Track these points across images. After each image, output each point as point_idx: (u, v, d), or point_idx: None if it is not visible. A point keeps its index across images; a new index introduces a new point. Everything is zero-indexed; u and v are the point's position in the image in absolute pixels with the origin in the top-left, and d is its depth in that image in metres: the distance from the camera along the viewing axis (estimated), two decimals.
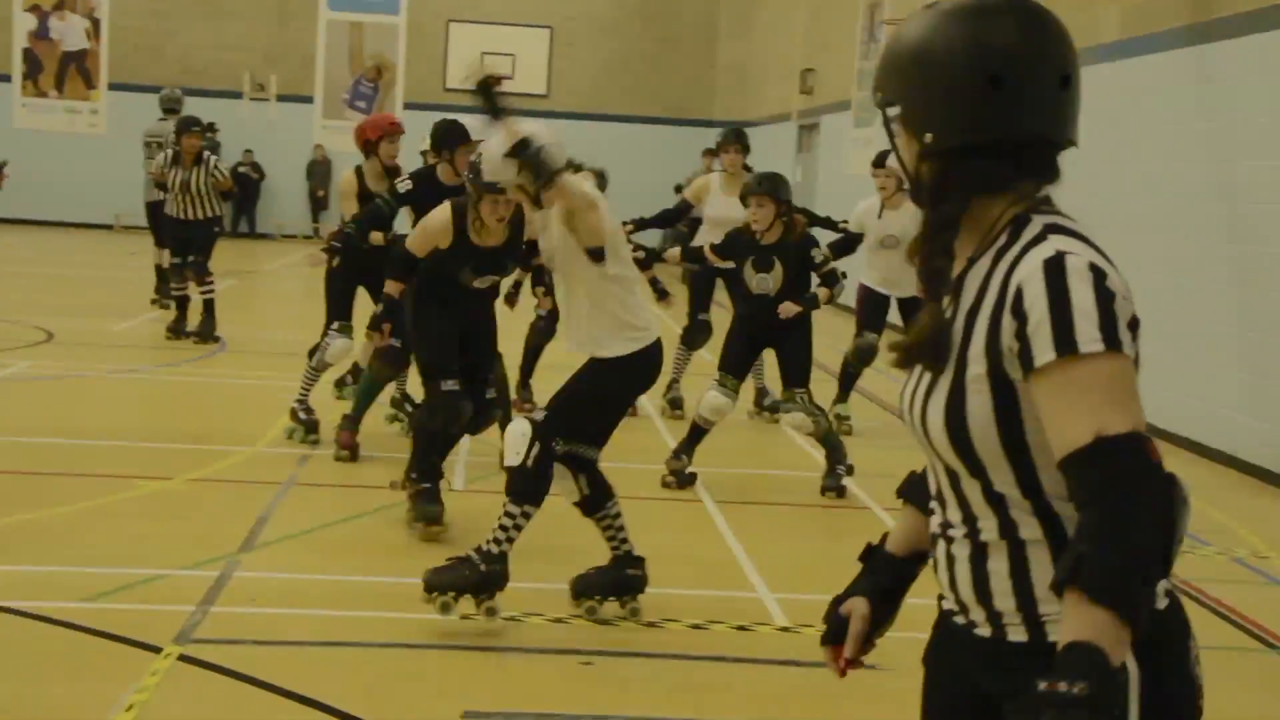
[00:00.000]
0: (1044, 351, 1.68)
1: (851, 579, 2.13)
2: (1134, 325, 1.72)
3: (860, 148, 17.30)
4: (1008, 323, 1.73)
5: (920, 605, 2.22)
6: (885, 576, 2.11)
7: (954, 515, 1.86)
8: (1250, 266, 8.45)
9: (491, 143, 5.15)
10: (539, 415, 4.94)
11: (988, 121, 1.78)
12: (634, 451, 8.22)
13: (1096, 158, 10.67)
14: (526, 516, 4.91)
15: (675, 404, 9.38)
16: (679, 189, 7.42)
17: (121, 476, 6.81)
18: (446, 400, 6.11)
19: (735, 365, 7.36)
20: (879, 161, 8.81)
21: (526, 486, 4.86)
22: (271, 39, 25.73)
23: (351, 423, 7.56)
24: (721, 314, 10.66)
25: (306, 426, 7.97)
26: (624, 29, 26.47)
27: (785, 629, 5.08)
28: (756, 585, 5.61)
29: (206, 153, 11.57)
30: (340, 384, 9.38)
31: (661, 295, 8.17)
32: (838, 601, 2.08)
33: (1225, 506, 7.46)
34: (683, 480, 7.34)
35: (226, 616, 4.89)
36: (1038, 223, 1.79)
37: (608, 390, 5.03)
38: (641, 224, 8.74)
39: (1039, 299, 1.70)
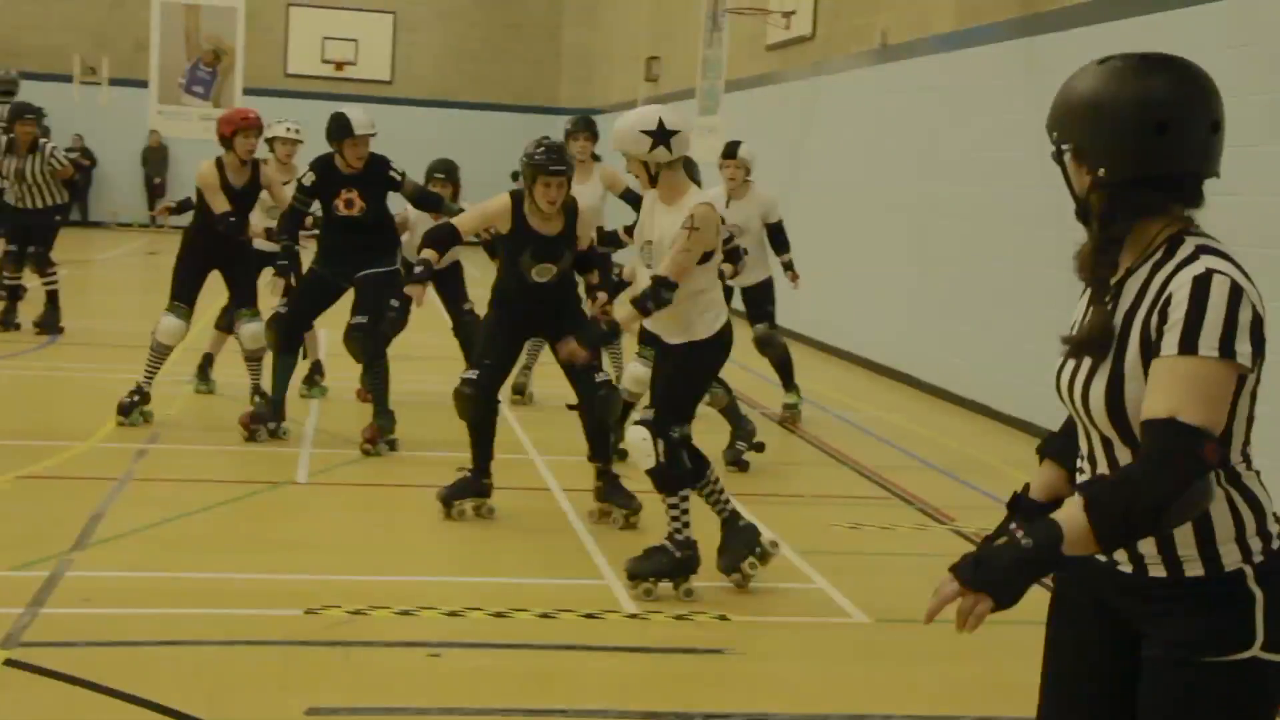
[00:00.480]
0: (1170, 346, 2.09)
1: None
2: (1257, 340, 2.11)
3: (705, 135, 17.44)
4: (1155, 322, 2.13)
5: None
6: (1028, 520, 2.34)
7: (1104, 473, 2.24)
8: (1072, 252, 8.71)
9: (630, 115, 5.43)
10: (648, 415, 5.33)
11: (1153, 160, 2.20)
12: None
13: (932, 146, 10.92)
14: (685, 499, 5.34)
15: (519, 390, 9.33)
16: (515, 177, 7.50)
17: None
18: (459, 388, 6.30)
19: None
20: (730, 153, 8.88)
21: (670, 480, 5.31)
22: (102, 21, 24.95)
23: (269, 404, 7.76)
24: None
25: (120, 408, 7.96)
26: (468, 15, 26.26)
27: (634, 615, 5.10)
28: (604, 572, 5.61)
29: (43, 140, 11.27)
30: (309, 382, 9.26)
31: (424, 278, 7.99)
32: (989, 540, 2.35)
33: None
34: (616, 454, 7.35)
35: (58, 618, 4.73)
36: (1190, 243, 2.20)
37: (704, 368, 5.46)
38: None
39: (1181, 305, 2.11)
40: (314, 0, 25.71)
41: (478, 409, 6.33)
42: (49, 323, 11.36)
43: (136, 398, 8.08)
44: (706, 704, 4.30)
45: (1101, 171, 2.21)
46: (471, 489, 6.43)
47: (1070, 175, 2.28)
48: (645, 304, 5.20)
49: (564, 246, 6.37)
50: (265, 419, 7.78)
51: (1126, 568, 2.24)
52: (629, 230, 7.63)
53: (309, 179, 7.56)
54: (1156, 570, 2.20)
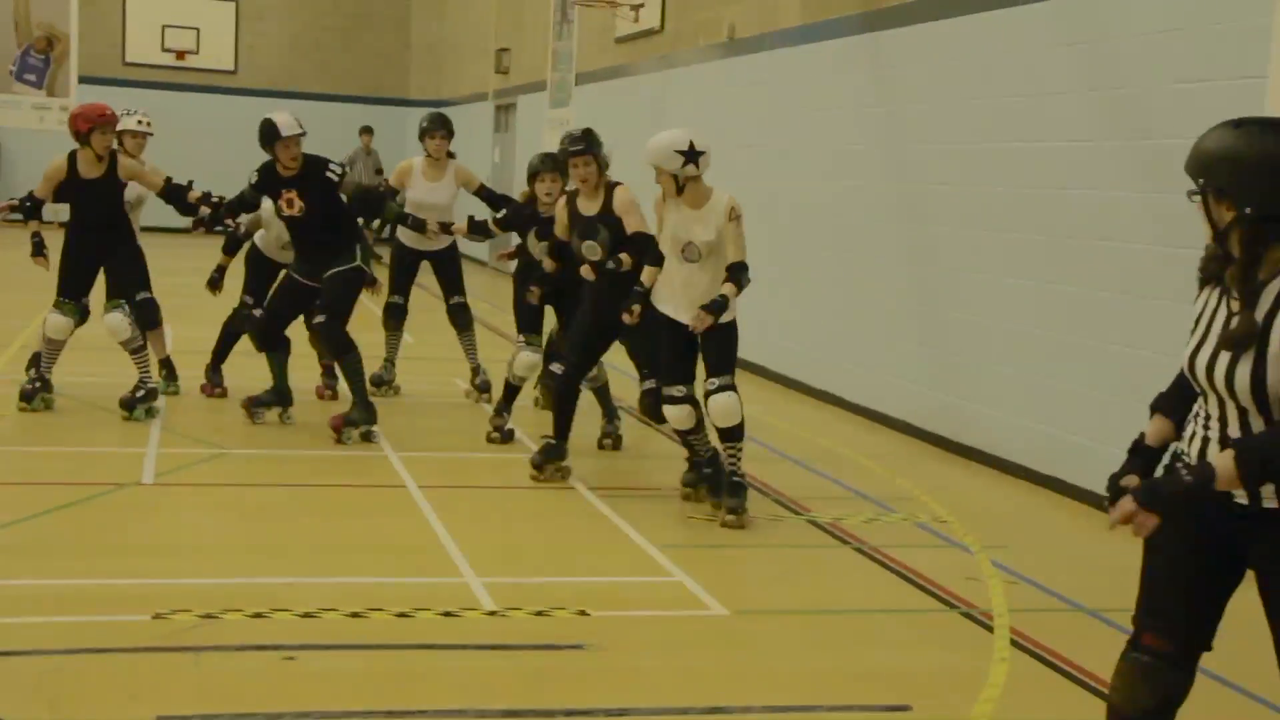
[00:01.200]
0: None
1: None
2: None
3: (556, 128, 17.41)
4: None
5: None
6: (1146, 461, 3.22)
7: (1234, 434, 3.00)
8: (923, 244, 8.92)
9: (664, 137, 6.51)
10: (726, 380, 6.46)
11: None
12: (330, 439, 8.05)
13: (780, 140, 11.05)
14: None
15: (378, 381, 9.21)
16: (532, 177, 7.82)
17: None
18: (545, 380, 7.52)
19: (532, 324, 8.13)
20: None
21: (741, 429, 6.54)
22: None
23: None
24: (426, 296, 10.56)
25: (24, 393, 8.22)
26: (314, 4, 25.79)
27: (493, 613, 5.07)
28: (462, 570, 5.57)
29: None
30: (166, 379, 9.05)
31: (370, 283, 8.08)
32: (1115, 478, 3.17)
33: (909, 475, 7.87)
34: (505, 436, 8.06)
35: None
36: None
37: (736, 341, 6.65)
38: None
39: None
40: None
41: (562, 399, 7.13)
42: None
43: (39, 384, 8.23)
44: (568, 700, 4.29)
45: (1247, 209, 2.91)
46: (557, 454, 7.19)
47: (1210, 209, 3.00)
48: (743, 286, 6.45)
49: (600, 222, 7.13)
50: (268, 403, 8.19)
51: (1242, 499, 3.01)
52: (498, 222, 8.57)
53: (254, 179, 7.94)
54: (1270, 503, 2.99)
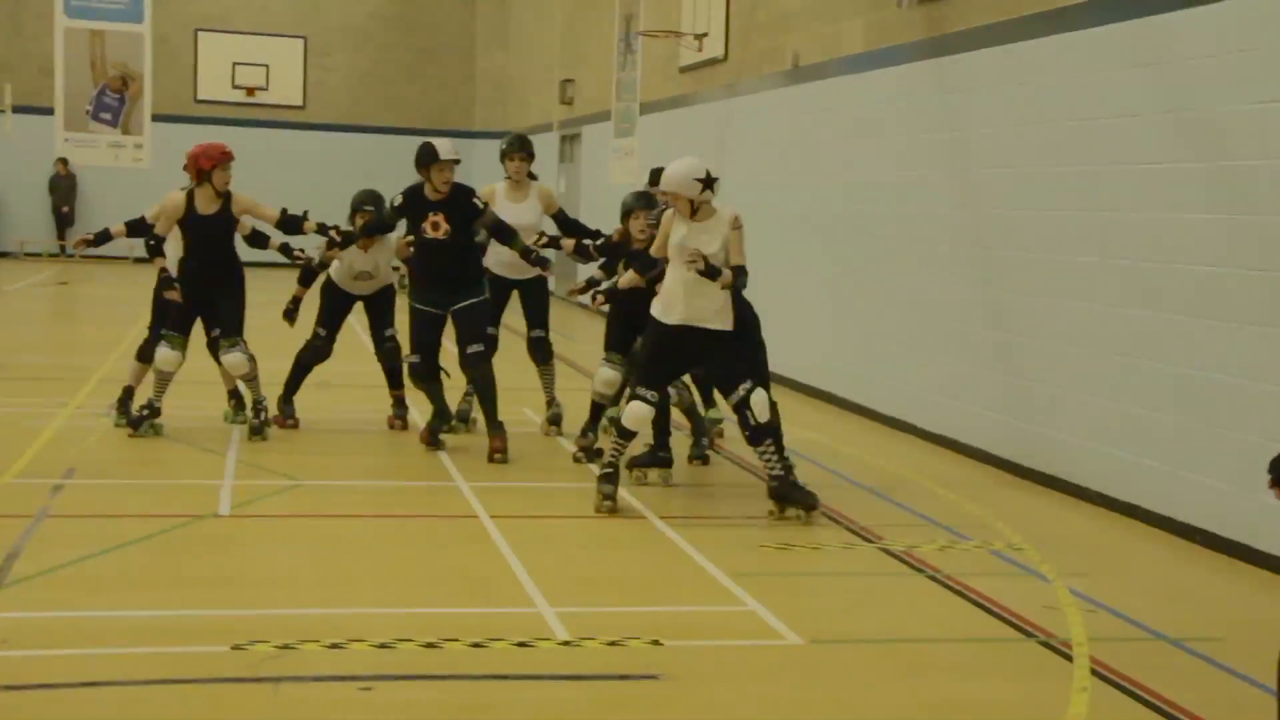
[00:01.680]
0: None
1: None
2: None
3: (621, 157, 17.50)
4: None
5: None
6: None
7: None
8: (992, 268, 8.85)
9: (681, 165, 7.06)
10: (754, 384, 7.06)
11: None
12: (406, 469, 8.12)
13: (845, 167, 11.03)
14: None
15: (464, 416, 9.20)
16: (626, 216, 8.04)
17: None
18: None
19: (618, 344, 8.40)
20: (655, 180, 9.00)
21: (775, 426, 7.11)
22: (4, 47, 24.50)
23: (497, 429, 8.30)
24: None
25: (131, 423, 8.55)
26: (381, 39, 26.14)
27: (567, 643, 5.07)
28: (536, 600, 5.58)
29: None
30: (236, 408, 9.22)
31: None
32: (1277, 460, 3.42)
33: (982, 501, 7.80)
34: (590, 455, 8.30)
35: None
36: None
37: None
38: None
39: None
40: (223, 25, 25.44)
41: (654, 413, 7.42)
42: None
43: (146, 412, 8.50)
44: None
45: None
46: (656, 461, 7.73)
47: None
48: (741, 286, 7.01)
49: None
50: (441, 427, 8.59)
51: None
52: (598, 248, 8.58)
53: (397, 201, 8.23)
54: None
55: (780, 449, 7.08)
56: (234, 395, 9.22)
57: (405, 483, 7.79)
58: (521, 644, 5.02)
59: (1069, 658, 5.10)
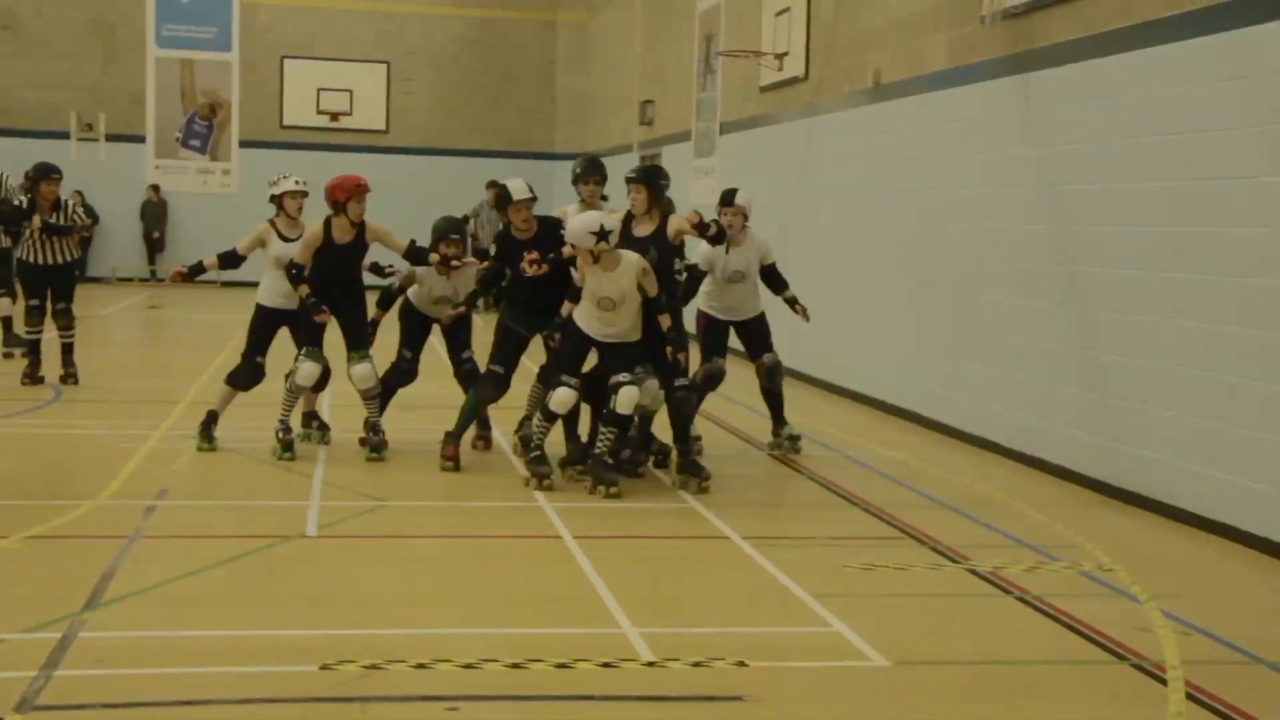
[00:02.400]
0: None
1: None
2: None
3: (702, 177, 17.52)
4: None
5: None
6: None
7: None
8: (1079, 285, 8.74)
9: (581, 218, 7.92)
10: (637, 382, 7.94)
11: None
12: (490, 490, 8.17)
13: (928, 184, 10.95)
14: None
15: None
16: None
17: None
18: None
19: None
20: (727, 200, 9.03)
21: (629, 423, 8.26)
22: (98, 77, 25.06)
23: (453, 438, 8.64)
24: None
25: (283, 445, 8.74)
26: (462, 64, 26.40)
27: (651, 664, 5.07)
28: (620, 620, 5.58)
29: (65, 199, 11.70)
30: (311, 427, 9.47)
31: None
32: None
33: (1069, 521, 7.69)
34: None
35: (72, 680, 4.70)
36: None
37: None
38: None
39: None
40: (308, 52, 25.84)
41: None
42: (70, 374, 11.72)
43: (285, 433, 8.79)
44: None
45: None
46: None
47: None
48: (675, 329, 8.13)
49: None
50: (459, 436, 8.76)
51: None
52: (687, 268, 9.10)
53: (492, 250, 8.67)
54: None
55: (626, 443, 8.26)
56: (314, 417, 9.37)
57: (489, 503, 7.85)
58: (606, 665, 5.03)
59: (1163, 681, 5.01)
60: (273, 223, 9.06)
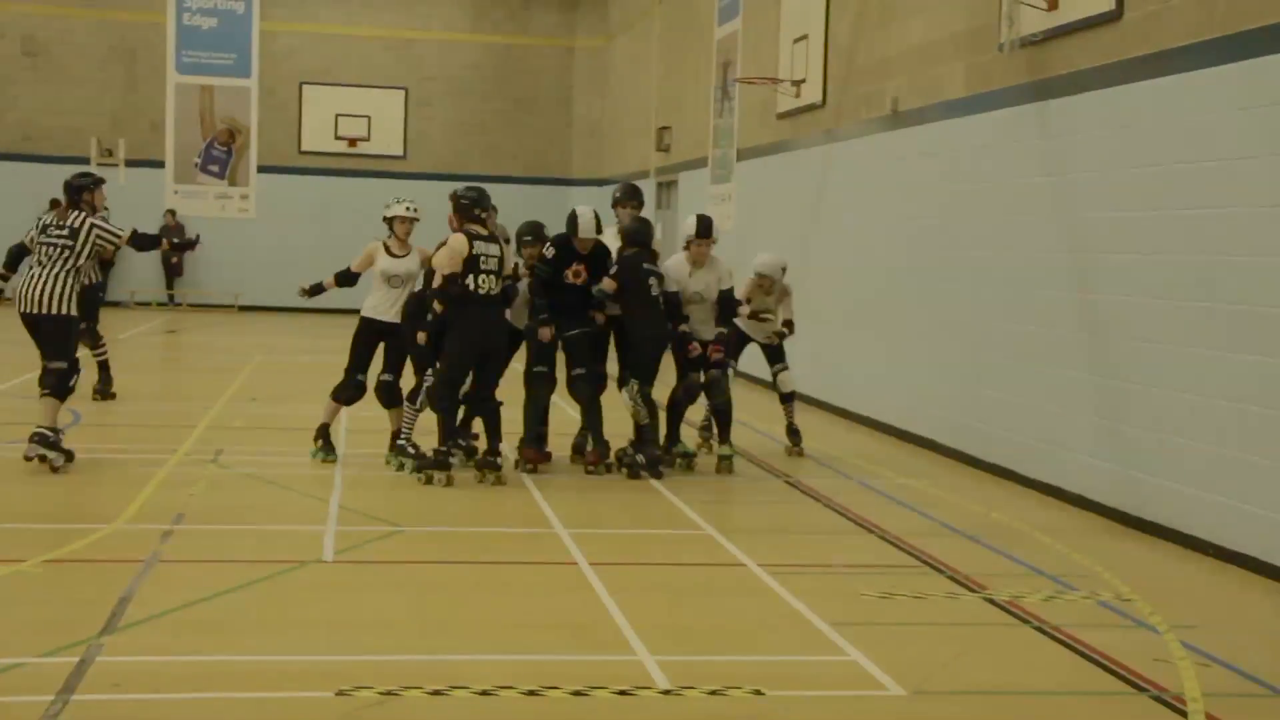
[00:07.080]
0: None
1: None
2: None
3: (719, 203, 17.53)
4: None
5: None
6: None
7: None
8: (1097, 314, 8.72)
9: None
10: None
11: None
12: (506, 515, 8.16)
13: (945, 211, 10.95)
14: None
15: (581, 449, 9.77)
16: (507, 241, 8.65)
17: None
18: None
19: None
20: (704, 232, 9.43)
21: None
22: (118, 103, 25.22)
23: (529, 442, 9.31)
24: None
25: (418, 461, 9.06)
26: (479, 89, 26.50)
27: (667, 692, 5.05)
28: (636, 648, 5.56)
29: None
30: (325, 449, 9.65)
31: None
32: None
33: (1087, 550, 7.65)
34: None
35: (89, 705, 4.70)
36: None
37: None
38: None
39: None
40: (326, 78, 25.97)
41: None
42: (106, 390, 12.27)
43: (420, 450, 9.13)
44: None
45: None
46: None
47: None
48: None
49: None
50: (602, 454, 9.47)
51: None
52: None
53: (550, 253, 9.40)
54: None
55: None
56: (326, 437, 9.54)
57: (505, 529, 7.84)
58: (623, 692, 5.01)
59: (1183, 714, 4.98)
60: (385, 243, 9.43)
